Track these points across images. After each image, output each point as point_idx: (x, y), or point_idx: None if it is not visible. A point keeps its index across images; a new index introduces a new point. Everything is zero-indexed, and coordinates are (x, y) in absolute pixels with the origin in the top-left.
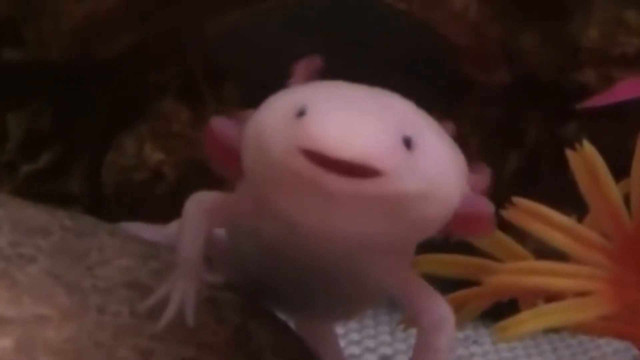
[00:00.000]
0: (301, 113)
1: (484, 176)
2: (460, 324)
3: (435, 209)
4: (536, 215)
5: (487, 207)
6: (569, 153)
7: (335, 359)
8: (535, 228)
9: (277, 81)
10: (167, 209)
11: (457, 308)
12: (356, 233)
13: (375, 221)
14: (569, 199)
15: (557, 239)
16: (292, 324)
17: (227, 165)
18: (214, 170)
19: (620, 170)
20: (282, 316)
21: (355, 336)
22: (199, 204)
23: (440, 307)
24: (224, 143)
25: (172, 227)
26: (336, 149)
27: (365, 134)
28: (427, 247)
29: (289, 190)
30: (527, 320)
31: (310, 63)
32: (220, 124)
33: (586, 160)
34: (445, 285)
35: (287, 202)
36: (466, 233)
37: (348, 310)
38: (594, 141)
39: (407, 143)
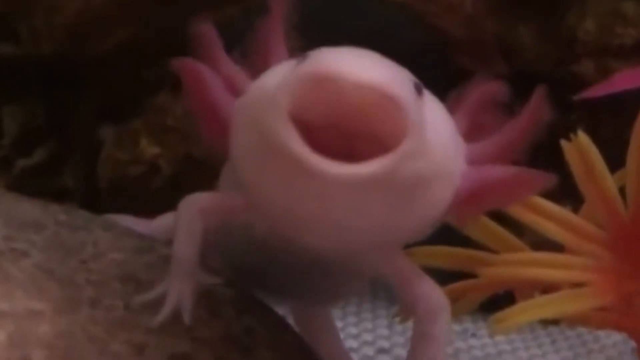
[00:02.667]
0: (303, 59)
1: (492, 142)
2: (457, 316)
3: (436, 177)
4: (532, 207)
5: (499, 172)
6: (564, 144)
7: (336, 351)
8: (531, 219)
9: None
10: (162, 202)
11: (454, 300)
12: (354, 226)
13: (374, 207)
14: (565, 191)
15: (553, 230)
16: (289, 320)
17: (212, 129)
18: (209, 165)
19: (617, 162)
20: (279, 311)
21: (353, 330)
22: (193, 205)
23: (436, 295)
24: (211, 103)
25: (161, 220)
26: (349, 74)
27: (378, 67)
28: (424, 239)
29: (278, 173)
30: (523, 312)
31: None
32: (212, 80)
33: (581, 151)
34: (440, 277)
35: (274, 189)
36: (481, 206)
37: (339, 296)
38: (591, 133)
39: (418, 88)
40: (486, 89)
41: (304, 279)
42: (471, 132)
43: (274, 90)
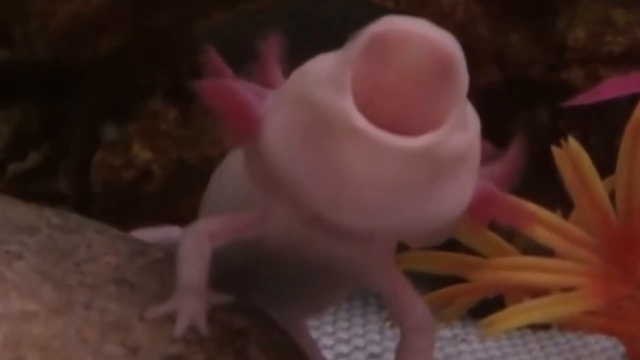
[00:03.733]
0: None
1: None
2: (447, 321)
3: (464, 173)
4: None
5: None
6: (554, 150)
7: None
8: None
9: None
10: (155, 207)
11: (444, 305)
12: (401, 202)
13: (417, 187)
14: (556, 196)
15: (543, 235)
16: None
17: (240, 125)
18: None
19: (607, 168)
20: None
21: (344, 334)
22: (200, 231)
23: (423, 308)
24: (241, 104)
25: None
26: (419, 30)
27: (442, 33)
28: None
29: (337, 141)
30: (513, 315)
31: (274, 44)
32: (238, 89)
33: (571, 156)
34: (425, 282)
35: (322, 166)
36: (485, 217)
37: (326, 305)
38: (581, 139)
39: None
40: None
41: (298, 288)
42: None
43: (331, 65)
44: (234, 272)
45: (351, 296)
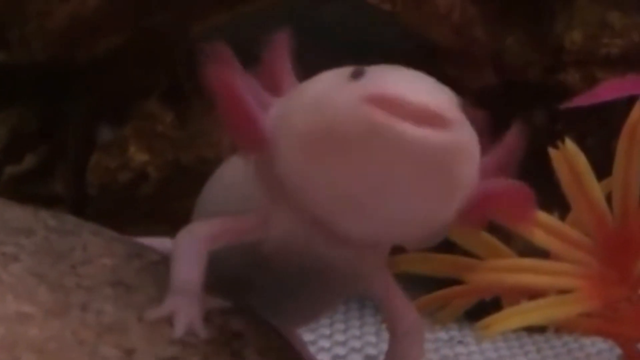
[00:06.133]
0: (357, 75)
1: (497, 154)
2: (444, 323)
3: (470, 174)
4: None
5: (501, 187)
6: (551, 151)
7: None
8: (519, 227)
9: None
10: (151, 209)
11: (441, 307)
12: (416, 200)
13: (430, 181)
14: (552, 198)
15: (540, 237)
16: None
17: (246, 134)
18: (197, 172)
19: (604, 170)
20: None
21: (340, 337)
22: (197, 233)
23: (414, 315)
24: (246, 111)
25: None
26: (412, 96)
27: (435, 90)
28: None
29: (358, 141)
30: (510, 318)
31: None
32: (244, 88)
33: (568, 158)
34: (421, 284)
35: (351, 156)
36: (479, 218)
37: (319, 313)
38: (578, 141)
39: (461, 106)
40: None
41: (294, 294)
42: None
43: (334, 92)
44: (231, 277)
45: (348, 298)
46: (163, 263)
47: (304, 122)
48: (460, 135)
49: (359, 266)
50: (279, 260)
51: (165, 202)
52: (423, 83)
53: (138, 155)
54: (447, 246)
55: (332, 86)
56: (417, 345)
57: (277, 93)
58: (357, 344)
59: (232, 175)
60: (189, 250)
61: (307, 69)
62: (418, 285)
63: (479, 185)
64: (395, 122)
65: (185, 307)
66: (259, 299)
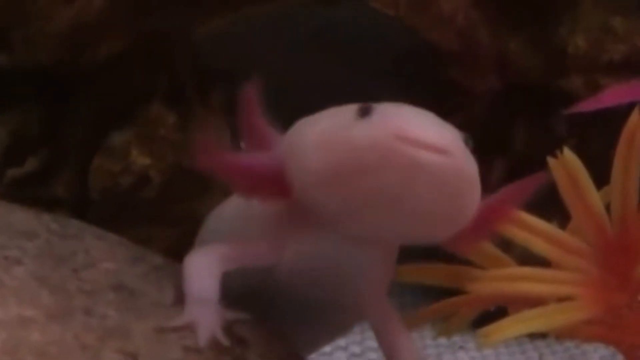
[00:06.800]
0: (364, 113)
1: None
2: (448, 335)
3: (471, 205)
4: (519, 223)
5: (496, 201)
6: (550, 160)
7: None
8: (518, 235)
9: (264, 87)
10: (153, 213)
11: (445, 317)
12: (428, 215)
13: (442, 198)
14: (552, 206)
15: (540, 246)
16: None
17: (266, 191)
18: (199, 175)
19: (607, 177)
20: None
21: (341, 342)
22: (208, 252)
23: (414, 349)
24: (254, 173)
25: None
26: (423, 134)
27: (440, 127)
28: (411, 256)
29: (376, 168)
30: (510, 325)
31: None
32: (240, 159)
33: (567, 167)
34: (425, 294)
35: (371, 182)
36: (482, 234)
37: (328, 339)
38: (581, 148)
39: (466, 143)
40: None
41: (305, 319)
42: None
43: (342, 128)
44: (245, 303)
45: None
46: (166, 267)
47: (316, 161)
48: (465, 163)
49: (359, 297)
50: (291, 283)
51: (168, 206)
52: (429, 121)
53: (140, 159)
54: (446, 255)
55: (340, 125)
56: None
57: (264, 147)
58: (341, 341)
59: (234, 209)
60: (203, 266)
61: (309, 73)
62: (419, 295)
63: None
64: (411, 149)
65: (207, 316)
66: (273, 318)
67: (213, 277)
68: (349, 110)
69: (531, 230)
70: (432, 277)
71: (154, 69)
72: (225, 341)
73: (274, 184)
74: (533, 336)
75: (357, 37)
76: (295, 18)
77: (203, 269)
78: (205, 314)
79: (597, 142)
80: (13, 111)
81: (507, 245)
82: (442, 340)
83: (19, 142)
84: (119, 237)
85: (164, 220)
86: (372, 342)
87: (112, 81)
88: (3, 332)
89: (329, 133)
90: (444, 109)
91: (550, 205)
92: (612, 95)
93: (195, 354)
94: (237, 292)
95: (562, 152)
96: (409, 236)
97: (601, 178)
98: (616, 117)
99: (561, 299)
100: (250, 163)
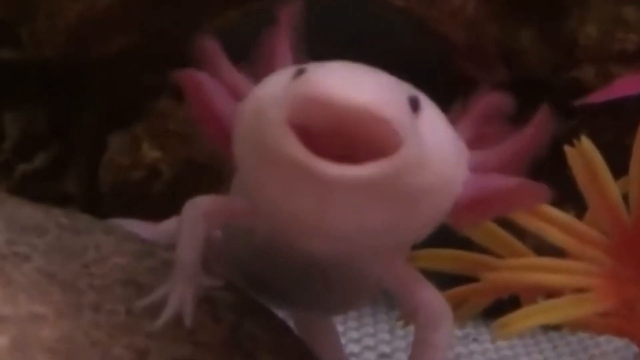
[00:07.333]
0: (299, 73)
1: (496, 152)
2: (461, 321)
3: (437, 184)
4: (535, 213)
5: (501, 181)
6: (567, 149)
7: (335, 357)
8: (534, 225)
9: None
10: (163, 207)
11: (457, 305)
12: (354, 229)
13: (374, 211)
14: (568, 196)
15: (556, 236)
16: (290, 323)
17: (216, 137)
18: (209, 169)
19: (619, 167)
20: (280, 315)
21: (354, 334)
22: (196, 208)
23: (438, 303)
24: (214, 111)
25: (166, 225)
26: (340, 97)
27: (371, 87)
28: (427, 242)
29: (279, 177)
30: (526, 317)
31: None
32: (213, 89)
33: (584, 156)
34: (441, 281)
35: (274, 193)
36: (481, 214)
37: (345, 305)
38: (592, 138)
39: (414, 104)
40: (491, 100)
41: (307, 286)
42: (475, 142)
43: (270, 101)
44: (249, 273)
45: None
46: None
47: (245, 132)
48: (394, 136)
49: (361, 263)
50: (276, 252)
51: (178, 199)
52: (366, 80)
53: (150, 153)
54: (464, 243)
55: (274, 92)
56: (440, 333)
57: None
58: (370, 341)
59: None
60: (190, 227)
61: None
62: (434, 282)
63: (475, 180)
64: (313, 162)
65: (179, 292)
66: (279, 290)
67: (197, 240)
68: (289, 74)
69: (547, 219)
70: (448, 264)
71: (163, 64)
72: (189, 323)
73: (222, 134)
74: (547, 327)
75: (366, 29)
76: (303, 11)
77: (191, 230)
78: (179, 289)
79: (608, 132)
80: (23, 107)
81: (520, 234)
82: (456, 333)
83: (28, 138)
84: (127, 231)
85: (174, 214)
86: (401, 342)
87: (121, 76)
88: (14, 328)
89: (260, 103)
90: (453, 102)
91: (566, 194)
92: (623, 86)
93: (205, 349)
94: (245, 255)
95: (579, 140)
96: (345, 249)
97: (612, 168)
98: (627, 107)
99: (576, 290)
100: (215, 101)
